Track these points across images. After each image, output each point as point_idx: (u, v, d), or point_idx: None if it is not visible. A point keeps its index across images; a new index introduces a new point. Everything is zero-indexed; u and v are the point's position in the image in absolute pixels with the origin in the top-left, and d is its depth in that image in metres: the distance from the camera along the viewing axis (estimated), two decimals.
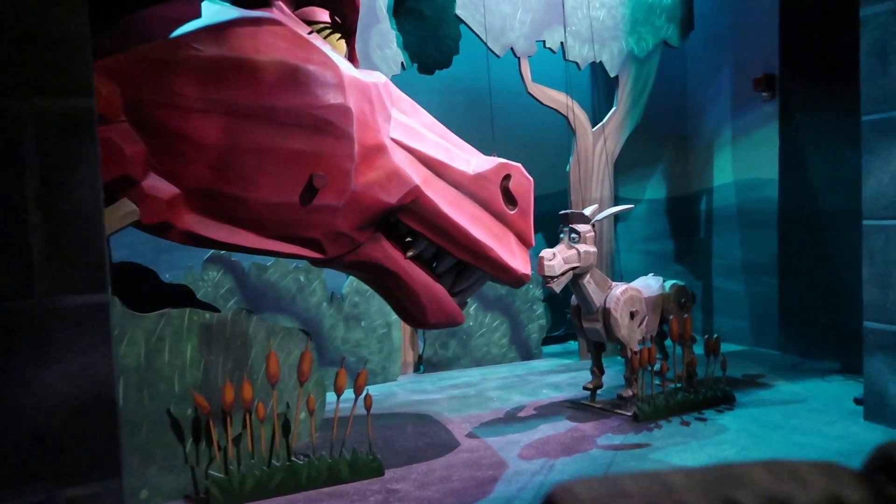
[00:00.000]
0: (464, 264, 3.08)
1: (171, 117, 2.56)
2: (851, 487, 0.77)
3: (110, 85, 2.47)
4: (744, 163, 5.39)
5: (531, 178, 3.23)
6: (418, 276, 3.00)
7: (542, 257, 3.60)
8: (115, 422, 1.69)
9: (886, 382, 3.54)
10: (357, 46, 4.91)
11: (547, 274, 3.59)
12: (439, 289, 3.05)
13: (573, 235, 3.71)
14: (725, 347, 5.34)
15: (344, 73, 2.79)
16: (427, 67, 5.07)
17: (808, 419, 3.68)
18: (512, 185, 3.11)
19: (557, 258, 3.61)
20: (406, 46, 4.90)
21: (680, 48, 5.69)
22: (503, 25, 4.91)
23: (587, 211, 3.89)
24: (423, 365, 5.07)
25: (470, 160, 3.09)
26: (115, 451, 1.69)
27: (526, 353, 5.28)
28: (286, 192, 2.69)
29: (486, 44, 4.87)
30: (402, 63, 4.85)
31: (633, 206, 4.45)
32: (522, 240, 3.17)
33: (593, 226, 3.82)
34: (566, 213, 3.80)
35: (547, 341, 5.51)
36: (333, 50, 2.88)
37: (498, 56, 4.93)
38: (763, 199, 5.20)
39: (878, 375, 3.58)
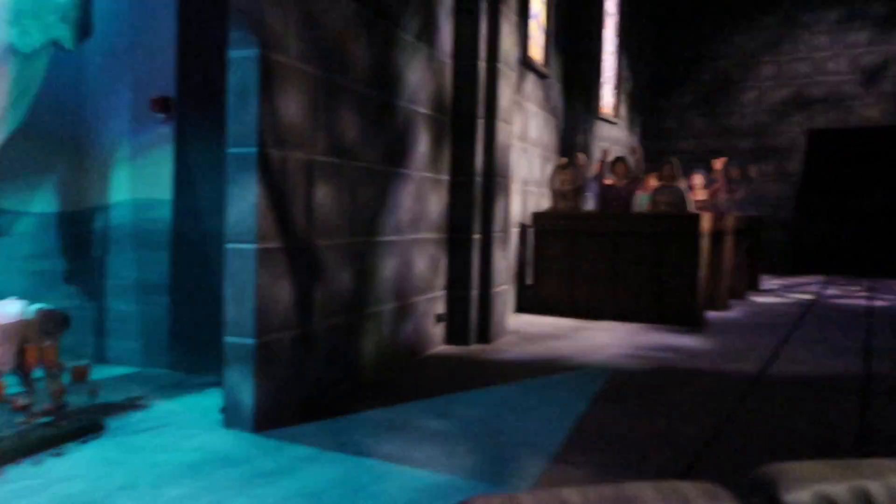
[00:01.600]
0: None
1: None
2: None
3: None
4: (141, 182, 5.34)
5: None
6: None
7: None
8: None
9: (241, 390, 3.92)
10: None
11: None
12: None
13: None
14: (117, 370, 5.19)
15: None
16: None
17: (172, 436, 3.79)
18: None
19: None
20: None
21: (79, 54, 5.31)
22: None
23: None
24: None
25: None
26: None
27: None
28: None
29: None
30: None
31: None
32: None
33: None
34: None
35: None
36: None
37: None
38: (158, 219, 5.25)
39: (234, 385, 3.94)
